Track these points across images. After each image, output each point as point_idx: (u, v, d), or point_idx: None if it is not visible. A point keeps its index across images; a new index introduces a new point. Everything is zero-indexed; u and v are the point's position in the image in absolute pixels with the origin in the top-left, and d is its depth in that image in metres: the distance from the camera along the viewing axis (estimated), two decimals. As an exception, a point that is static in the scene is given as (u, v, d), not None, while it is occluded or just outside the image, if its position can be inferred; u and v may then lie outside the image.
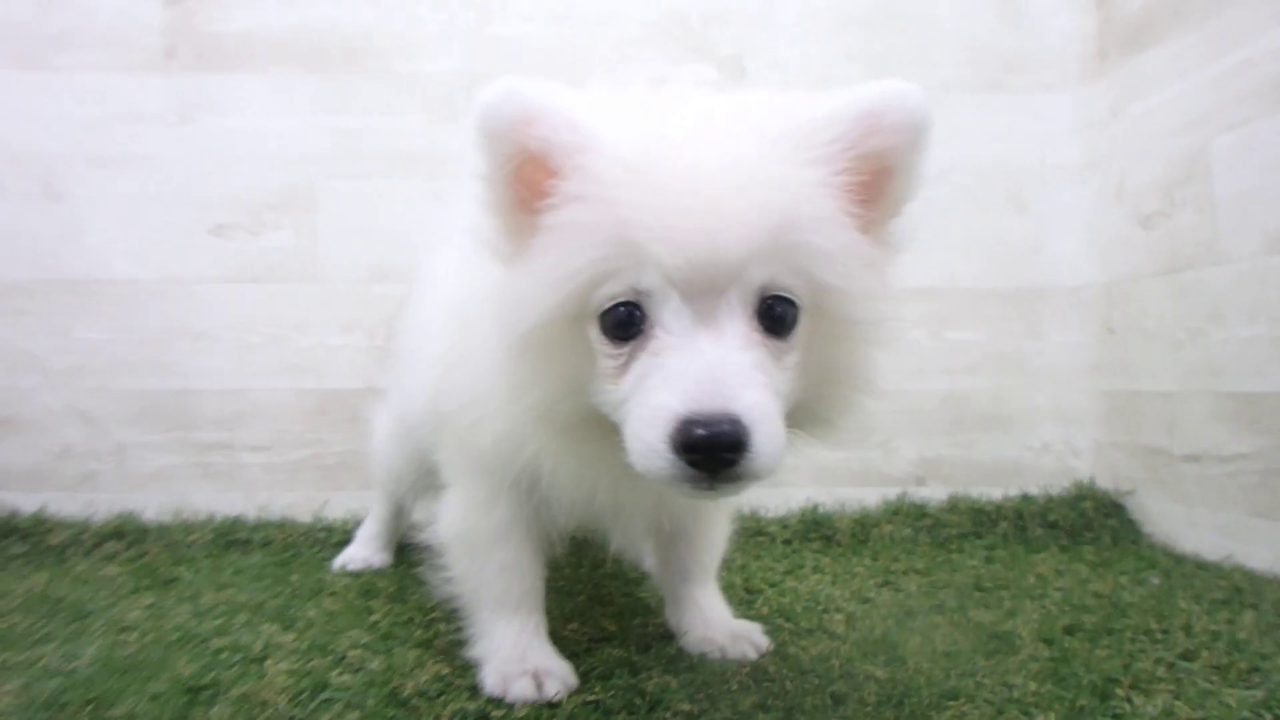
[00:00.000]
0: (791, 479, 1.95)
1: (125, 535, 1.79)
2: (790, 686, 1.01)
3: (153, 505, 1.89)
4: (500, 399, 0.79)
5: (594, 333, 0.72)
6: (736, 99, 0.77)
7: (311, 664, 1.08)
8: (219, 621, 1.27)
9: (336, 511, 1.90)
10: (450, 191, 1.62)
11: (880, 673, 1.05)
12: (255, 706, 0.95)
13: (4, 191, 1.93)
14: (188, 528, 1.84)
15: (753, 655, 1.11)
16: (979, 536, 1.79)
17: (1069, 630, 1.22)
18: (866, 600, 1.39)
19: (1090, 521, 1.80)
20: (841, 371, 0.80)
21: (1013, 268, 2.00)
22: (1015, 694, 0.99)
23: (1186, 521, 1.69)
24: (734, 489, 0.68)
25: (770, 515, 1.88)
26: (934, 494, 1.93)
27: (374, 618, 1.29)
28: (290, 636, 1.19)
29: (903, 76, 1.99)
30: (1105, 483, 1.89)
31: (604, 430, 0.75)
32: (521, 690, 0.97)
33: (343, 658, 1.11)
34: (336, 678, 1.03)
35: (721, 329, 0.68)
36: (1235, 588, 1.41)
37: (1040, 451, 1.97)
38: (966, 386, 1.99)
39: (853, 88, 0.73)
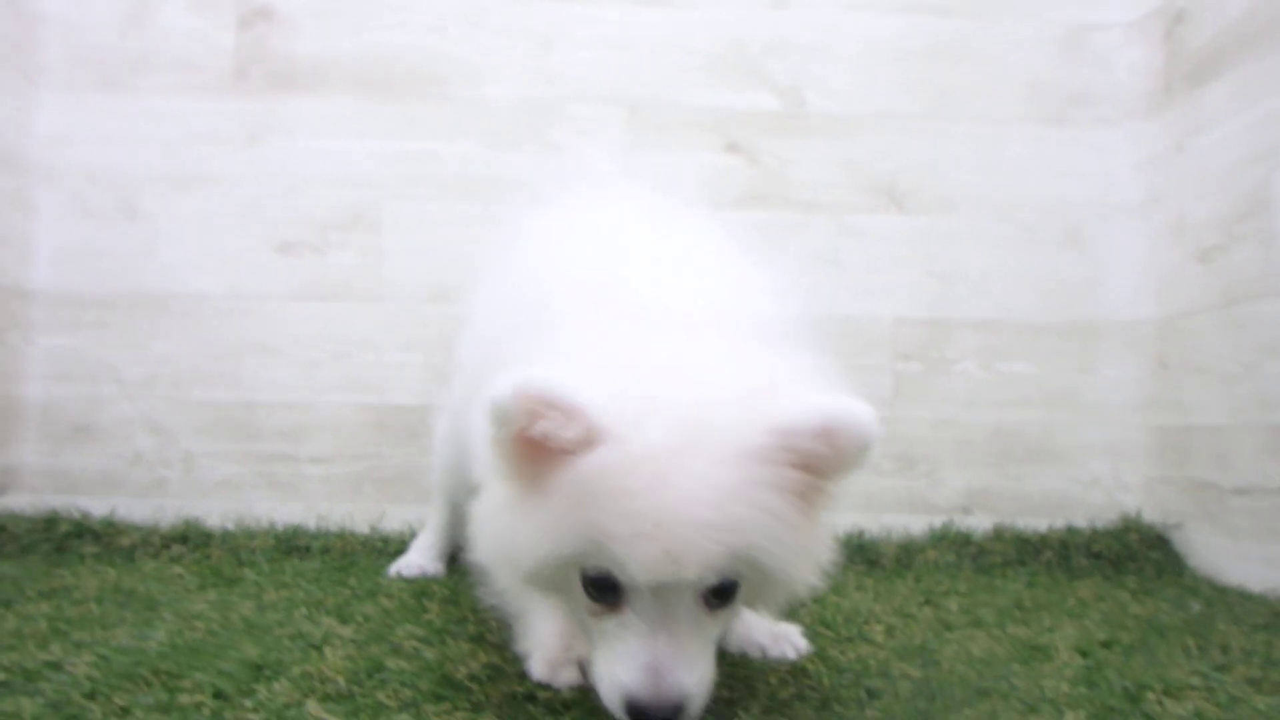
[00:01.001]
0: (838, 505, 2.15)
1: (190, 539, 2.04)
2: (827, 682, 1.17)
3: (217, 513, 2.15)
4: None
5: (576, 580, 0.93)
6: (717, 382, 0.90)
7: (369, 651, 1.24)
8: (280, 614, 1.45)
9: (393, 524, 2.15)
10: (501, 218, 1.83)
11: (915, 673, 1.21)
12: (316, 682, 1.09)
13: (86, 210, 2.22)
14: (250, 534, 2.09)
15: (792, 655, 1.26)
16: (1022, 564, 1.98)
17: (1105, 645, 1.38)
18: (907, 616, 1.56)
19: (1134, 553, 1.98)
20: (771, 601, 1.07)
21: (1068, 302, 2.20)
22: (1047, 694, 1.12)
23: (1234, 555, 1.86)
24: None
25: (817, 540, 2.08)
26: (980, 523, 2.12)
27: (428, 616, 1.46)
28: (348, 629, 1.37)
29: (962, 110, 2.23)
30: (1153, 516, 2.07)
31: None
32: (568, 677, 1.09)
33: (398, 647, 1.27)
34: (393, 662, 1.18)
35: (678, 620, 0.90)
36: (1277, 614, 1.58)
37: (1089, 485, 2.16)
38: (1017, 419, 2.18)
39: (814, 397, 0.88)
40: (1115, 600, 1.71)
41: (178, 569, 1.84)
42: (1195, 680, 1.19)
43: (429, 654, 1.23)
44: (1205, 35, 2.03)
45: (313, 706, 1.00)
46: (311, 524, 2.14)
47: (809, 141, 2.23)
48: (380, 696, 1.05)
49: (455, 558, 1.92)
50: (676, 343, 0.94)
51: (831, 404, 0.87)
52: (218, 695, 1.03)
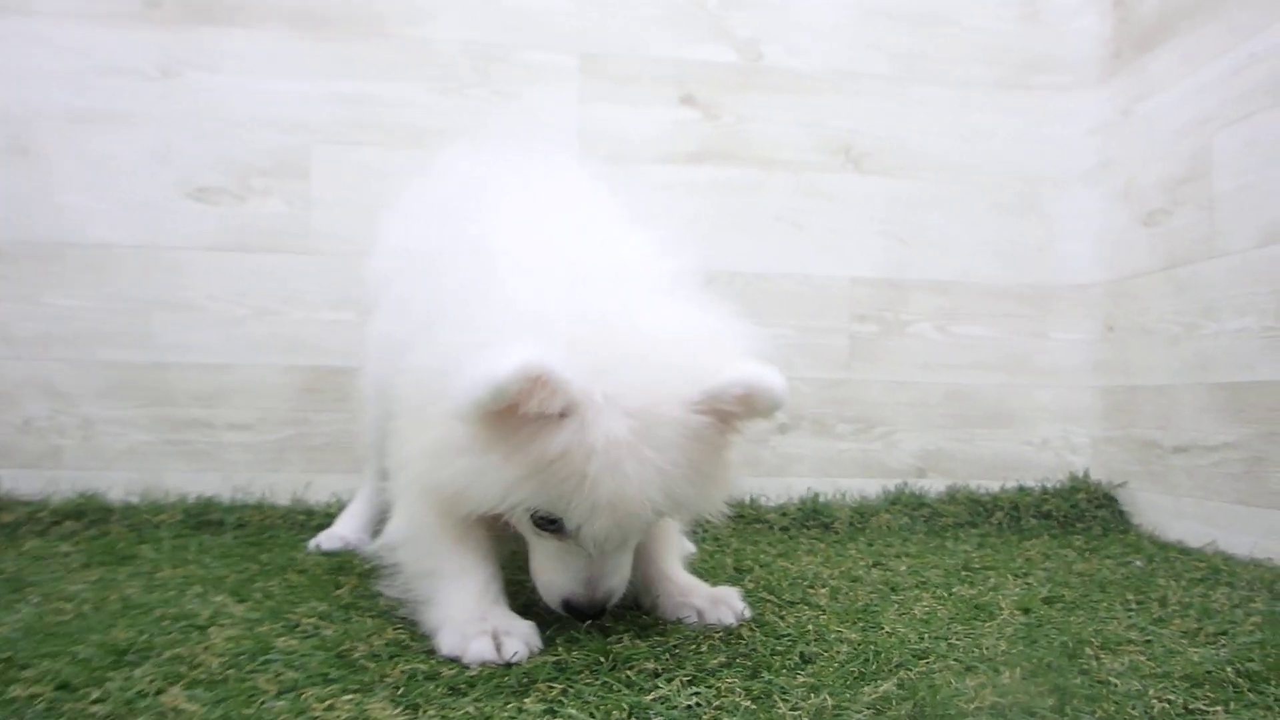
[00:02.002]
0: (793, 469, 2.28)
1: (86, 515, 2.00)
2: (761, 648, 1.17)
3: (120, 484, 2.15)
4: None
5: (524, 514, 1.13)
6: (665, 356, 1.08)
7: (259, 631, 1.21)
8: (170, 594, 1.40)
9: (319, 495, 2.18)
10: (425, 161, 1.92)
11: (854, 636, 1.25)
12: (185, 667, 1.04)
13: (-31, 146, 2.15)
14: (156, 508, 2.07)
15: (730, 620, 1.29)
16: (974, 525, 2.17)
17: (1047, 601, 1.49)
18: (855, 579, 1.63)
19: (1082, 512, 2.18)
20: (684, 520, 1.36)
21: (1023, 266, 2.40)
22: (986, 653, 1.18)
23: (1174, 512, 2.08)
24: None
25: (770, 504, 2.21)
26: (933, 485, 2.29)
27: (339, 591, 1.44)
28: (242, 608, 1.33)
29: (923, 72, 2.39)
30: (1100, 476, 2.28)
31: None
32: (480, 650, 1.09)
33: (296, 625, 1.25)
34: (284, 642, 1.14)
35: (611, 548, 1.15)
36: (1213, 568, 1.79)
37: (1040, 447, 2.35)
38: (972, 382, 2.36)
39: (739, 366, 1.08)
40: (1061, 559, 1.88)
41: (65, 546, 1.80)
42: (1133, 634, 1.29)
43: (328, 632, 1.21)
44: (1151, 2, 2.24)
45: (173, 695, 0.96)
46: (227, 496, 2.15)
47: (768, 98, 2.36)
48: (259, 681, 1.01)
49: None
50: (621, 310, 1.10)
51: (752, 373, 1.07)
52: (62, 686, 0.98)
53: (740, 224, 2.34)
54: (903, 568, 1.75)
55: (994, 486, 2.29)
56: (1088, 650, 1.19)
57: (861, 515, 2.17)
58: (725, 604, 1.32)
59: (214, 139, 2.23)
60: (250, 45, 2.24)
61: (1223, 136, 2.01)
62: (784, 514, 2.15)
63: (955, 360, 2.37)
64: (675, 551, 1.41)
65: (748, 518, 2.13)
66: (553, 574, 1.17)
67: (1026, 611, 1.41)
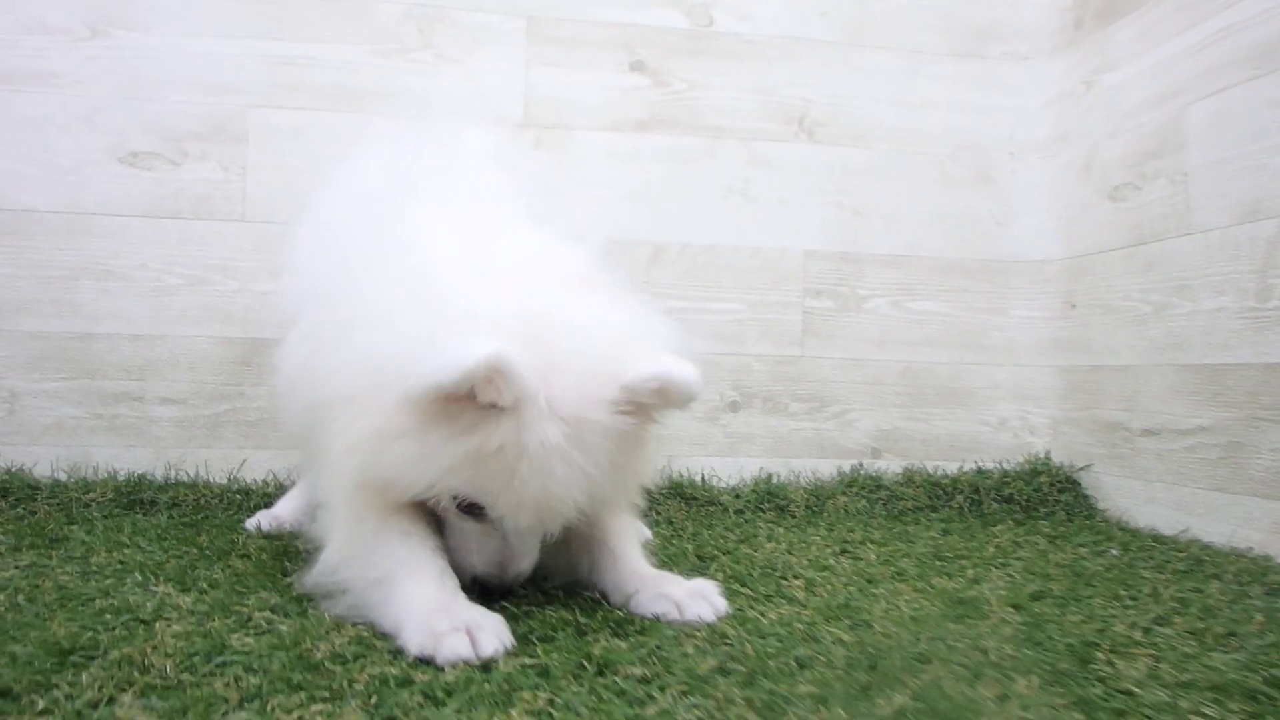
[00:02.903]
0: (745, 449, 1.86)
1: (11, 493, 1.61)
2: (751, 650, 0.93)
3: (46, 460, 1.71)
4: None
5: (448, 498, 0.99)
6: (595, 357, 0.96)
7: (210, 626, 0.96)
8: (108, 582, 1.13)
9: (256, 472, 1.75)
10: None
11: (846, 636, 0.98)
12: (136, 670, 0.82)
13: (-115, 105, 1.71)
14: (85, 485, 1.66)
15: (709, 616, 1.05)
16: (934, 510, 1.75)
17: (1036, 597, 1.18)
18: (825, 568, 1.32)
19: (1045, 496, 1.76)
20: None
21: (977, 240, 1.95)
22: (991, 657, 0.92)
23: (1143, 497, 1.66)
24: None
25: (723, 485, 1.79)
26: (889, 466, 1.87)
27: (288, 580, 1.15)
28: (189, 598, 1.07)
29: (875, 38, 1.93)
30: (1061, 458, 1.86)
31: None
32: (454, 648, 0.87)
33: (248, 619, 1.00)
34: (238, 640, 0.91)
35: (528, 541, 1.04)
36: (1195, 559, 1.39)
37: (997, 428, 1.93)
38: (926, 359, 1.93)
39: (652, 360, 0.95)
40: (1033, 547, 1.48)
41: None
42: (1138, 635, 1.01)
43: (284, 628, 0.96)
44: (1113, -26, 1.80)
45: (126, 704, 0.75)
46: (159, 474, 1.72)
47: (718, 64, 1.91)
48: (217, 686, 0.80)
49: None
50: (552, 308, 0.97)
51: (666, 366, 0.95)
52: (3, 693, 0.77)
53: (689, 194, 1.89)
54: (872, 556, 1.39)
55: (951, 468, 1.86)
56: (1098, 655, 0.94)
57: (817, 497, 1.74)
58: (703, 598, 1.08)
59: (146, 101, 1.78)
60: (184, 4, 1.77)
61: (1196, 110, 1.57)
62: (737, 495, 1.72)
63: (910, 337, 1.94)
64: (638, 544, 1.19)
65: (700, 499, 1.69)
66: (468, 553, 1.04)
67: (1018, 608, 1.11)
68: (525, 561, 1.05)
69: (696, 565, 1.31)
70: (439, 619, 0.91)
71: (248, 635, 0.93)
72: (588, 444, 0.95)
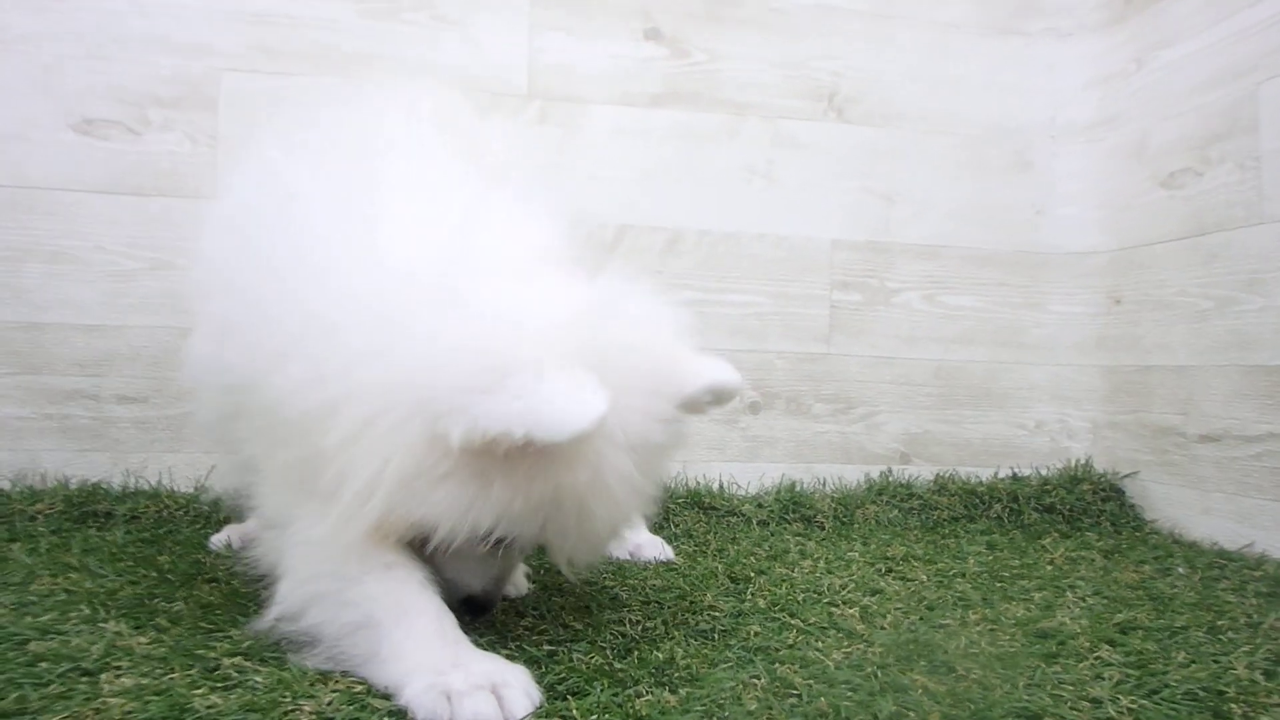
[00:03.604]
0: (766, 453, 1.71)
1: (-53, 504, 1.41)
2: (826, 704, 0.78)
3: (-10, 465, 1.50)
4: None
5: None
6: (647, 363, 0.86)
7: (168, 678, 0.79)
8: (48, 617, 0.95)
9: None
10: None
11: (931, 683, 0.83)
12: None
13: None
14: (32, 495, 1.47)
15: (512, 592, 1.05)
16: (971, 520, 1.60)
17: (1125, 628, 1.03)
18: (875, 591, 1.18)
19: (1088, 506, 1.63)
20: None
21: (1015, 231, 1.81)
22: (1109, 710, 0.79)
23: (1199, 508, 1.53)
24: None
25: (743, 493, 1.63)
26: (919, 473, 1.72)
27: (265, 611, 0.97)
28: (144, 639, 0.89)
29: (909, 12, 1.77)
30: (1103, 465, 1.72)
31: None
32: (478, 708, 0.73)
33: (214, 667, 0.83)
34: (201, 698, 0.75)
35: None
36: (1274, 579, 1.26)
37: (1034, 431, 1.79)
38: (959, 358, 1.78)
39: (701, 370, 0.88)
40: (1090, 564, 1.34)
41: None
42: (1260, 678, 0.87)
43: (259, 679, 0.79)
44: (1162, -57, 1.65)
45: None
46: (116, 482, 1.53)
47: (742, 34, 1.74)
48: None
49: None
50: (590, 308, 0.85)
51: (717, 377, 0.89)
52: None
53: (708, 176, 1.72)
54: (922, 575, 1.24)
55: (985, 475, 1.72)
56: (1232, 707, 0.80)
57: (845, 506, 1.58)
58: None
59: (105, 62, 1.57)
60: (146, -47, 1.59)
61: (1271, 88, 1.43)
62: (760, 505, 1.56)
63: (942, 334, 1.79)
64: None
65: (720, 509, 1.53)
66: (463, 574, 0.91)
67: (1112, 644, 0.97)
68: (515, 574, 1.02)
69: (730, 589, 1.16)
70: (452, 675, 0.75)
71: (214, 690, 0.77)
72: (650, 466, 0.88)
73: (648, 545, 1.32)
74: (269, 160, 1.06)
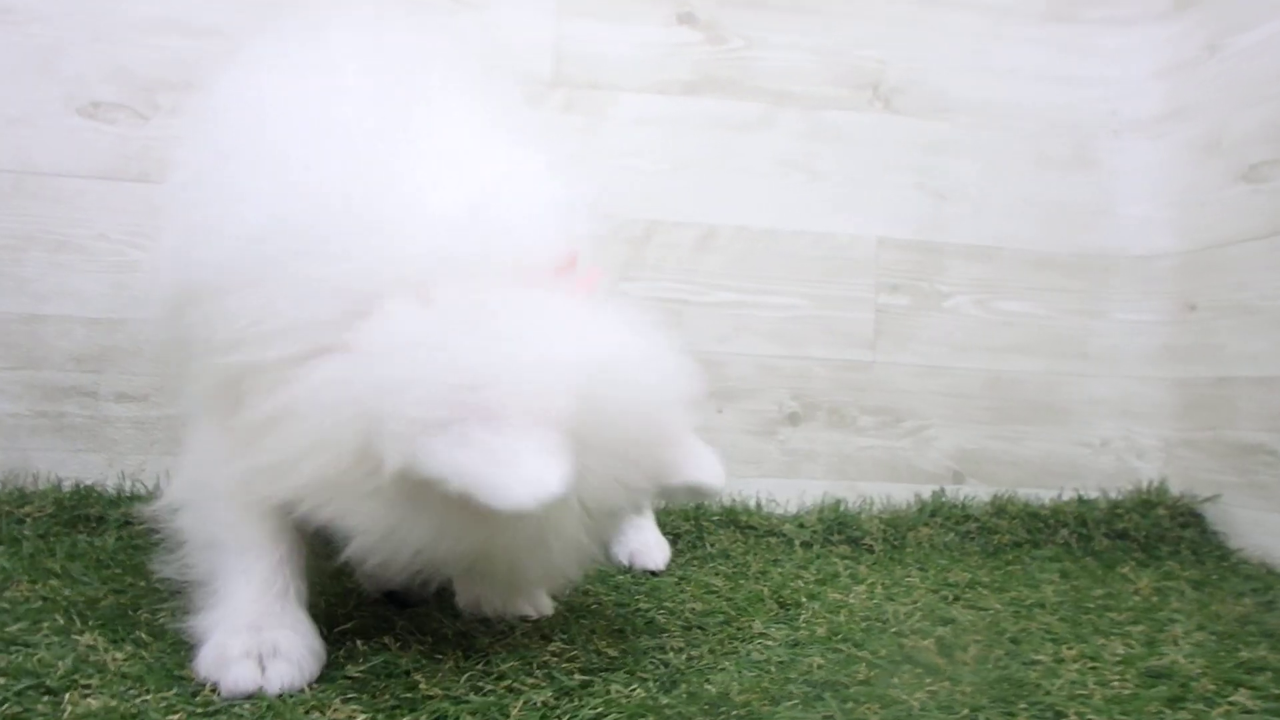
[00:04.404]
0: (806, 469, 1.56)
1: (-68, 505, 1.30)
2: None
3: (-21, 465, 1.39)
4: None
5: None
6: (633, 439, 0.76)
7: (141, 700, 0.68)
8: (17, 626, 0.84)
9: (230, 484, 1.43)
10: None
11: None
12: None
13: None
14: (21, 497, 1.35)
15: (531, 613, 0.93)
16: (1035, 545, 1.45)
17: (1251, 668, 0.88)
18: (947, 621, 1.04)
19: (1165, 532, 1.47)
20: None
21: (1075, 231, 1.67)
22: None
23: (1293, 535, 1.36)
24: None
25: (781, 511, 1.49)
26: (974, 493, 1.57)
27: None
28: (119, 654, 0.77)
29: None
30: (1178, 487, 1.56)
31: None
32: (240, 676, 0.71)
33: (194, 692, 0.71)
34: None
35: None
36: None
37: (1098, 450, 1.64)
38: (1015, 368, 1.64)
39: (689, 464, 0.78)
40: (1180, 596, 1.19)
41: None
42: None
43: (246, 707, 0.69)
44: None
45: None
46: (111, 484, 1.41)
47: (781, 18, 1.62)
48: None
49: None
50: (582, 356, 0.70)
51: (702, 477, 0.78)
52: None
53: (744, 169, 1.59)
54: (995, 604, 1.10)
55: (1046, 496, 1.57)
56: None
57: (895, 529, 1.43)
58: (524, 598, 0.94)
59: (111, 43, 1.47)
60: (159, -70, 1.51)
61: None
62: (802, 525, 1.41)
63: (996, 342, 1.64)
64: None
65: (759, 529, 1.39)
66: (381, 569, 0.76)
67: (1238, 686, 0.82)
68: (540, 592, 0.91)
69: (781, 616, 1.02)
70: (238, 636, 0.73)
71: (192, 716, 0.67)
72: (602, 529, 0.77)
73: (647, 549, 1.21)
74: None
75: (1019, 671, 0.86)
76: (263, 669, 0.72)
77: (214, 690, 0.71)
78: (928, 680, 0.82)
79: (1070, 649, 0.93)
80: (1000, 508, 1.50)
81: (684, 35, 1.60)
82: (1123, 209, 1.67)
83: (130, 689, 0.70)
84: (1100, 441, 1.63)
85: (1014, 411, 1.63)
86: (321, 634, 0.83)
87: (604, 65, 1.58)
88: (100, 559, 1.13)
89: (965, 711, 0.75)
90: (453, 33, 1.05)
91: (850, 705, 0.75)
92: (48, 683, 0.70)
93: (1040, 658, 0.90)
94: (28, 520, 1.29)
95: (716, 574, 1.19)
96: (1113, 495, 1.55)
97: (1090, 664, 0.90)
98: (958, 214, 1.64)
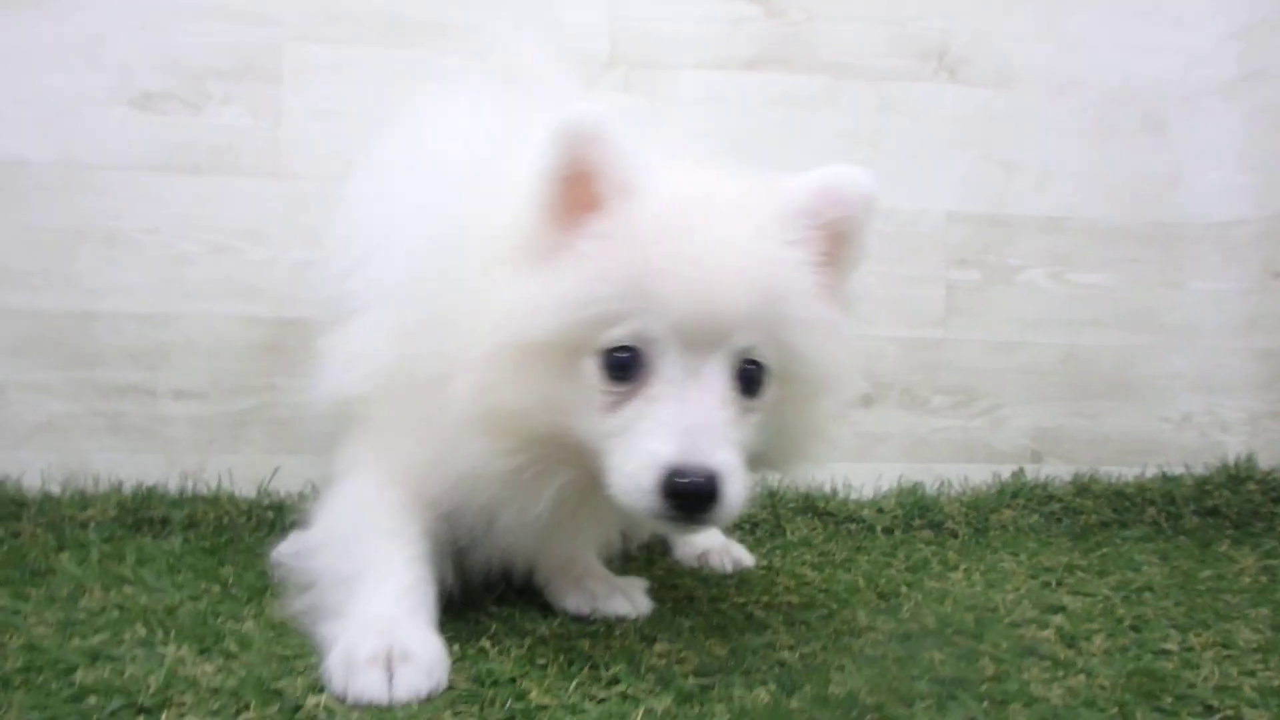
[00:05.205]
0: (880, 452, 1.49)
1: (-7, 507, 1.25)
2: None
3: (37, 467, 1.35)
4: (472, 396, 0.75)
5: (593, 367, 0.74)
6: (738, 182, 0.81)
7: (243, 718, 0.63)
8: (99, 638, 0.79)
9: (290, 482, 1.38)
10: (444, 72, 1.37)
11: None
12: None
13: None
14: (82, 500, 1.30)
15: (629, 611, 0.88)
16: (1123, 525, 1.37)
17: None
18: (1057, 609, 0.97)
19: (1258, 509, 1.39)
20: (799, 429, 0.83)
21: (1148, 200, 1.58)
22: None
23: (1401, 512, 1.28)
24: (700, 528, 0.88)
25: (860, 497, 1.42)
26: (1054, 472, 1.49)
27: None
28: (209, 666, 0.72)
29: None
30: (1268, 461, 1.47)
31: (554, 450, 0.77)
32: (365, 685, 0.66)
33: (297, 706, 0.65)
34: None
35: (708, 385, 0.73)
36: None
37: (1180, 424, 1.55)
38: (1091, 343, 1.55)
39: (814, 171, 0.81)
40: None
41: None
42: None
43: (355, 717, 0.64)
44: None
45: None
46: (173, 485, 1.36)
47: (841, -11, 1.54)
48: None
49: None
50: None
51: (824, 170, 0.81)
52: None
53: (808, 145, 1.51)
54: (1103, 590, 1.03)
55: (1128, 474, 1.48)
56: None
57: (976, 511, 1.36)
58: (623, 593, 0.90)
59: (161, 32, 1.41)
60: (204, -84, 1.44)
61: None
62: (881, 510, 1.34)
63: (1071, 316, 1.56)
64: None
65: (838, 515, 1.32)
66: (636, 452, 0.70)
67: None
68: (721, 446, 0.71)
69: (882, 606, 0.95)
70: (366, 641, 0.69)
71: None
72: (739, 206, 0.76)
73: (718, 550, 1.11)
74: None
75: (1152, 662, 0.79)
76: (390, 675, 0.67)
77: (319, 705, 0.65)
78: (1061, 674, 0.76)
79: (1198, 636, 0.87)
80: (1083, 487, 1.43)
81: (743, 10, 1.52)
82: (1198, 176, 1.57)
83: (227, 705, 0.65)
84: (1182, 416, 1.55)
85: (1091, 387, 1.54)
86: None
87: (661, 43, 1.50)
88: (170, 563, 1.07)
89: (1114, 710, 0.68)
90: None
91: (987, 705, 0.69)
92: (141, 700, 0.65)
93: (1169, 646, 0.84)
94: (91, 524, 1.25)
95: (803, 563, 1.13)
96: (1198, 471, 1.47)
97: (1224, 652, 0.83)
98: (1026, 185, 1.55)
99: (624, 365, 0.73)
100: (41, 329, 1.39)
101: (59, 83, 1.40)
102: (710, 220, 0.74)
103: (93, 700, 0.65)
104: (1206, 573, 1.11)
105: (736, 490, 0.70)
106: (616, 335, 0.72)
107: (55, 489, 1.34)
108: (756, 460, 0.78)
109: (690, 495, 0.67)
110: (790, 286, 0.75)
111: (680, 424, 0.70)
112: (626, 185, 0.73)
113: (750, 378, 0.75)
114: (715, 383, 0.73)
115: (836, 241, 0.80)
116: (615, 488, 0.71)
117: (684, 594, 0.98)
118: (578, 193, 0.74)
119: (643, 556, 1.13)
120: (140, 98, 1.42)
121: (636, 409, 0.72)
